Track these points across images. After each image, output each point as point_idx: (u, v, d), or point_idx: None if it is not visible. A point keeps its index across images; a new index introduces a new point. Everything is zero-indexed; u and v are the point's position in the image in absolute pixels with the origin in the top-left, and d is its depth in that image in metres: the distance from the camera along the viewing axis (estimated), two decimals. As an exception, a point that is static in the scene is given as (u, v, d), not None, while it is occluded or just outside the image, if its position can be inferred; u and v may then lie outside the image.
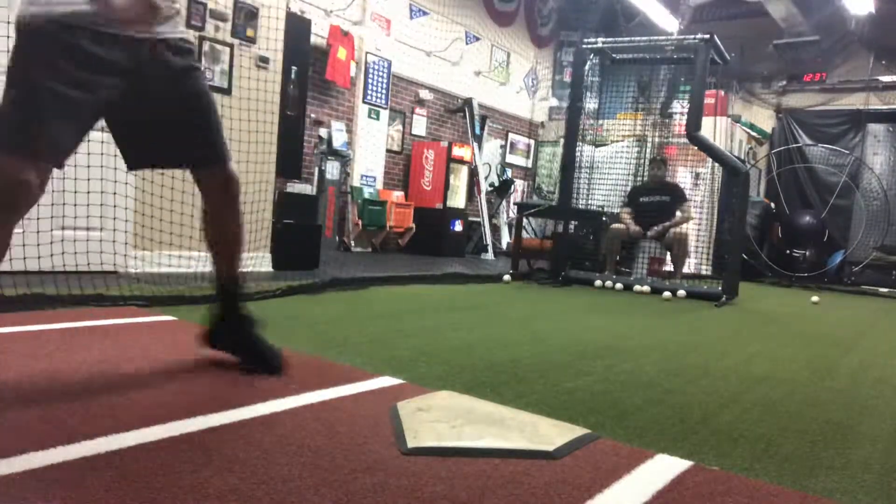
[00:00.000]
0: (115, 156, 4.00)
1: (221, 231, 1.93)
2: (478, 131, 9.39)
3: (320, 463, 1.34)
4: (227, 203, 1.91)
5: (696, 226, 7.50)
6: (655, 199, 6.30)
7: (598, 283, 5.87)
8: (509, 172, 10.27)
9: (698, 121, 5.40)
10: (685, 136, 5.59)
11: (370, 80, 8.16)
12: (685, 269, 6.46)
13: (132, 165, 1.87)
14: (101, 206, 3.74)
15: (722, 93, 8.96)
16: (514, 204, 9.20)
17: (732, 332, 3.86)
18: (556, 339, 3.07)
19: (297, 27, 5.56)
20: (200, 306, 3.07)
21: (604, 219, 6.73)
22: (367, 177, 8.22)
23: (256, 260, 4.65)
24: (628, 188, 6.71)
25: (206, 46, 4.37)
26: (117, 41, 1.59)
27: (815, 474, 1.53)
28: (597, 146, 6.96)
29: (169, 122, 1.77)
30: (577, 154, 6.19)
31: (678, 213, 6.25)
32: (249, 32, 4.63)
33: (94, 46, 1.55)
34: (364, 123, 8.17)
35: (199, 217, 1.96)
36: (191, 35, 1.79)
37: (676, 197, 6.36)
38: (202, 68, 1.80)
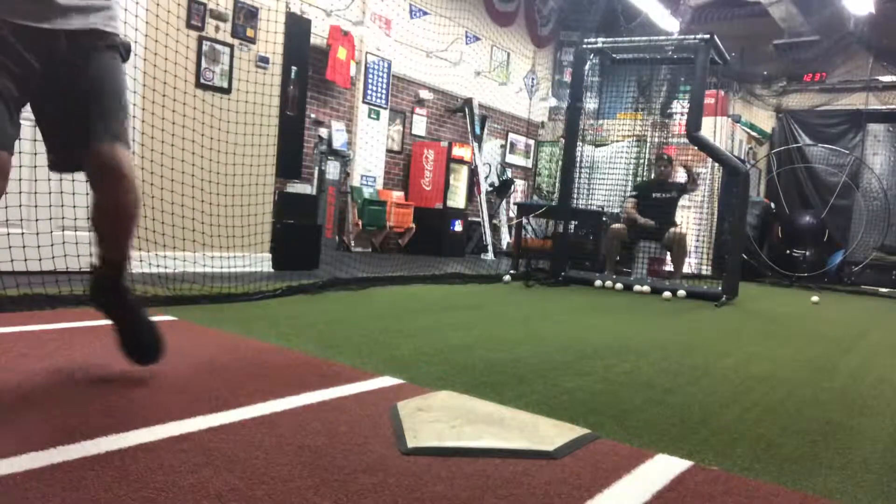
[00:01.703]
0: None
1: (100, 217, 1.78)
2: (478, 131, 9.39)
3: (320, 463, 1.34)
4: (101, 188, 1.74)
5: (696, 226, 7.50)
6: (666, 196, 6.31)
7: (598, 283, 5.87)
8: (509, 172, 10.27)
9: (698, 121, 5.41)
10: (685, 136, 5.59)
11: (370, 80, 8.16)
12: (685, 269, 6.46)
13: (50, 166, 1.79)
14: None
15: (722, 93, 8.96)
16: (514, 204, 9.20)
17: (732, 332, 3.86)
18: (556, 339, 3.07)
19: (297, 27, 5.56)
20: (200, 306, 3.08)
21: (604, 219, 6.73)
22: (367, 177, 8.22)
23: (256, 260, 4.65)
24: (628, 188, 6.71)
25: (205, 46, 4.37)
26: (26, 33, 1.57)
27: (815, 474, 1.53)
28: (597, 146, 6.96)
29: (60, 119, 1.70)
30: (577, 154, 6.19)
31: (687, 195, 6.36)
32: (249, 32, 4.63)
33: (11, 37, 1.54)
34: (364, 123, 8.17)
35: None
36: (114, 27, 1.74)
37: (682, 192, 6.39)
38: (111, 52, 1.71)
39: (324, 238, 5.92)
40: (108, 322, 1.85)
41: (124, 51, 1.79)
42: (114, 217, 1.76)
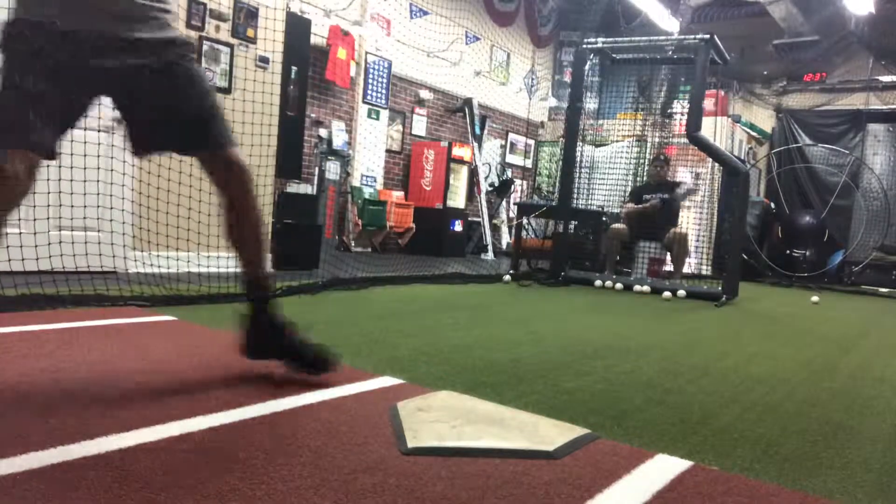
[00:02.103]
0: (112, 158, 4.01)
1: (236, 224, 1.88)
2: (478, 131, 9.39)
3: (320, 463, 1.34)
4: (234, 191, 1.86)
5: (696, 226, 7.50)
6: (656, 198, 6.31)
7: (598, 283, 5.87)
8: (509, 172, 10.27)
9: (698, 121, 5.40)
10: (685, 136, 5.59)
11: (370, 80, 8.16)
12: (685, 269, 6.46)
13: (135, 151, 1.88)
14: (101, 207, 3.74)
15: (722, 93, 8.96)
16: (514, 204, 9.20)
17: (732, 332, 3.86)
18: (556, 339, 3.07)
19: (297, 27, 5.56)
20: (200, 306, 3.08)
21: (604, 219, 6.73)
22: (367, 177, 8.22)
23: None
24: (628, 188, 6.72)
25: (206, 46, 4.38)
26: (80, 39, 1.62)
27: (815, 474, 1.53)
28: (597, 146, 6.96)
29: (160, 111, 1.78)
30: (577, 154, 6.19)
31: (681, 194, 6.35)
32: (249, 32, 4.63)
33: (59, 46, 1.59)
34: (364, 123, 8.17)
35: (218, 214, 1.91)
36: (175, 32, 1.79)
37: (672, 189, 6.39)
38: (192, 59, 1.80)
39: (324, 238, 5.92)
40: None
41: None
42: (250, 215, 1.87)
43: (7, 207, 1.58)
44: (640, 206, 6.27)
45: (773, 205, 9.65)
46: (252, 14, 4.62)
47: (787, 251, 9.21)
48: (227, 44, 4.49)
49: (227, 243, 1.92)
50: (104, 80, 1.68)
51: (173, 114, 1.77)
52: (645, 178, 6.73)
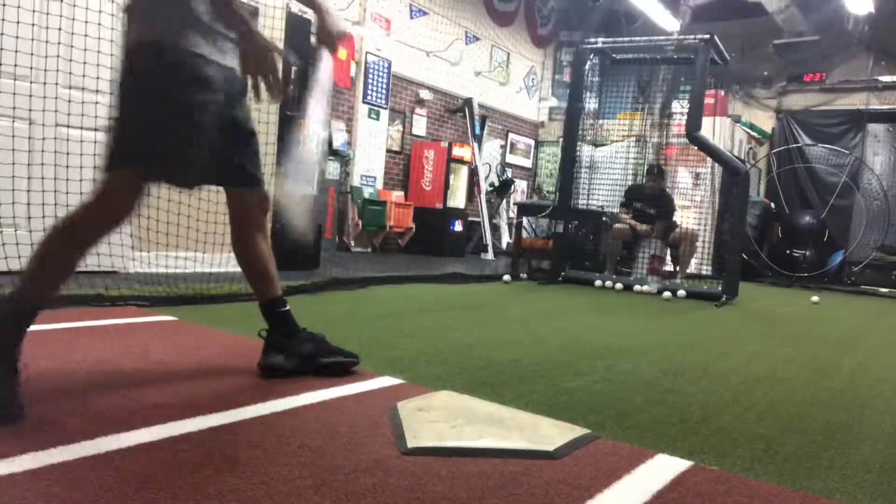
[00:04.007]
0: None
1: (243, 252, 1.94)
2: (478, 131, 9.39)
3: (320, 463, 1.34)
4: (246, 225, 1.92)
5: (696, 226, 7.49)
6: (647, 210, 6.32)
7: (598, 283, 5.87)
8: (509, 172, 10.27)
9: (698, 121, 5.40)
10: (685, 136, 5.59)
11: (370, 80, 8.16)
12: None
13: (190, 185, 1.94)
14: (101, 206, 3.74)
15: (722, 93, 8.96)
16: (514, 204, 9.21)
17: (732, 332, 3.86)
18: (555, 339, 3.07)
19: (297, 27, 5.55)
20: (200, 306, 3.08)
21: (604, 219, 6.72)
22: (367, 177, 8.22)
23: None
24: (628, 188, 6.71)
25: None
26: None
27: (815, 474, 1.53)
28: (597, 146, 6.95)
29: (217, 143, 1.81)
30: (577, 154, 6.18)
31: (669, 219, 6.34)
32: (249, 32, 4.62)
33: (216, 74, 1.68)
34: (364, 123, 8.17)
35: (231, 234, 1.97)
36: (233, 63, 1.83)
37: (664, 211, 6.35)
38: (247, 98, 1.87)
39: (324, 238, 5.92)
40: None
41: None
42: (266, 249, 1.94)
43: (113, 230, 1.66)
44: (637, 225, 6.24)
45: (773, 205, 9.66)
46: (252, 14, 4.62)
47: (787, 251, 9.21)
48: (227, 44, 4.49)
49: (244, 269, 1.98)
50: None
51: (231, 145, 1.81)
52: (635, 182, 6.73)
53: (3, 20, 3.24)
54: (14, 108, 3.32)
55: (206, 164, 1.69)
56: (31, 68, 3.41)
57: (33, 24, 3.34)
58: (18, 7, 3.29)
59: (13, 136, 3.36)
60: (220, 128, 1.69)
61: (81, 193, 3.46)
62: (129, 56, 1.62)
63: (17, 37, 3.23)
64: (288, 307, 2.01)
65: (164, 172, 1.69)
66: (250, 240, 1.91)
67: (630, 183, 6.76)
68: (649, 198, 6.34)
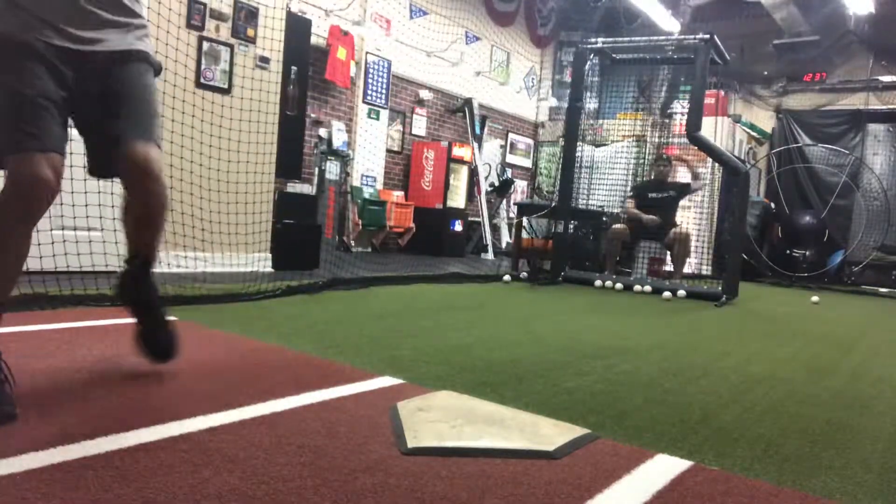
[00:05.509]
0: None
1: (130, 214, 1.86)
2: (478, 131, 9.39)
3: (320, 463, 1.34)
4: (132, 187, 1.79)
5: (696, 226, 7.50)
6: (664, 196, 6.30)
7: (598, 283, 5.87)
8: (509, 172, 10.27)
9: (698, 121, 5.40)
10: (685, 136, 5.59)
11: (370, 80, 8.16)
12: (685, 269, 6.45)
13: (89, 171, 1.87)
14: (101, 206, 3.74)
15: (722, 93, 8.95)
16: (514, 204, 9.21)
17: (732, 332, 3.86)
18: (555, 339, 3.07)
19: (297, 27, 5.55)
20: (200, 306, 3.08)
21: (604, 219, 6.72)
22: (367, 177, 8.22)
23: (256, 260, 4.65)
24: (628, 188, 6.71)
25: (206, 46, 4.37)
26: (66, 52, 1.66)
27: (815, 474, 1.53)
28: (597, 146, 6.95)
29: (96, 125, 1.77)
30: (577, 154, 6.19)
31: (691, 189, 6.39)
32: (249, 32, 4.63)
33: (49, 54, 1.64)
34: (364, 123, 8.17)
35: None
36: (148, 45, 1.80)
37: (682, 192, 6.39)
38: (144, 64, 1.80)
39: (324, 238, 5.92)
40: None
41: (156, 67, 1.87)
42: (143, 217, 1.83)
43: (43, 214, 1.60)
44: (643, 216, 6.24)
45: (773, 205, 9.65)
46: (252, 14, 4.62)
47: (787, 251, 9.21)
48: (226, 44, 4.49)
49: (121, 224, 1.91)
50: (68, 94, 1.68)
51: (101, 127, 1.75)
52: (644, 179, 6.73)
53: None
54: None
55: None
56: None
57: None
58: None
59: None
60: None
61: (85, 192, 3.47)
62: None
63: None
64: None
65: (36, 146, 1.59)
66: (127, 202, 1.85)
67: (630, 183, 6.77)
68: (660, 184, 6.33)
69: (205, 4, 4.34)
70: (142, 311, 1.91)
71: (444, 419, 1.65)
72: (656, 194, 6.32)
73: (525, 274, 6.28)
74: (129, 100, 1.76)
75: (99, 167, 1.85)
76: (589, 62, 6.18)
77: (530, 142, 11.41)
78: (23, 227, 1.58)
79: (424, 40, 8.91)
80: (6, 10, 1.62)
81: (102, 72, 1.72)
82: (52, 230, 3.44)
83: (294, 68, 5.59)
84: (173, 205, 3.99)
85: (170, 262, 4.02)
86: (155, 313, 1.91)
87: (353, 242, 7.90)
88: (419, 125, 9.20)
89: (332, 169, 7.44)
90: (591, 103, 6.45)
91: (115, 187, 3.81)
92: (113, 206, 3.85)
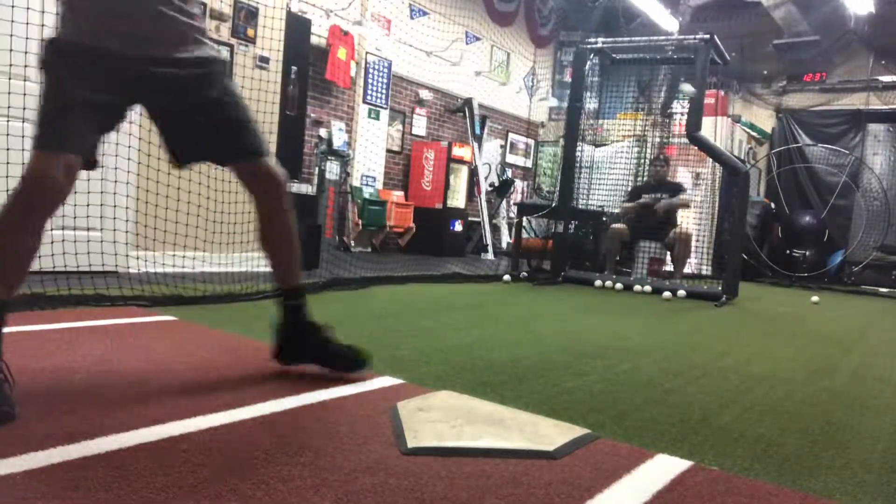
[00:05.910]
0: (116, 155, 4.01)
1: (268, 232, 1.95)
2: (478, 131, 9.39)
3: (320, 463, 1.34)
4: (268, 200, 1.94)
5: (696, 226, 7.50)
6: (657, 196, 6.30)
7: (598, 283, 5.87)
8: (509, 172, 10.27)
9: (698, 121, 5.40)
10: (685, 136, 5.59)
11: (370, 80, 8.16)
12: (685, 269, 6.45)
13: (180, 163, 1.94)
14: (101, 206, 3.74)
15: (722, 93, 8.95)
16: (514, 204, 9.21)
17: (732, 332, 3.86)
18: (555, 339, 3.07)
19: (297, 27, 5.55)
20: (200, 306, 3.08)
21: (604, 219, 6.72)
22: (367, 177, 8.22)
23: (256, 260, 4.65)
24: (628, 188, 6.72)
25: (206, 46, 4.37)
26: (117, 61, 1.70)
27: (815, 474, 1.53)
28: (597, 146, 6.95)
29: (196, 125, 1.85)
30: (577, 154, 6.19)
31: (680, 198, 6.34)
32: (249, 32, 4.63)
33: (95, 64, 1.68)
34: (364, 123, 8.17)
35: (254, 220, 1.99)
36: (212, 51, 1.87)
37: (676, 192, 6.38)
38: (223, 74, 1.89)
39: (324, 238, 5.92)
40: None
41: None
42: (284, 225, 1.94)
43: (50, 212, 1.63)
44: (637, 202, 6.25)
45: (773, 205, 9.66)
46: (252, 14, 4.62)
47: (787, 251, 9.21)
48: (227, 44, 4.49)
49: (260, 249, 1.98)
50: (141, 91, 1.76)
51: (207, 126, 1.84)
52: (644, 178, 6.73)
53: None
54: (8, 107, 3.30)
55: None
56: (24, 66, 3.38)
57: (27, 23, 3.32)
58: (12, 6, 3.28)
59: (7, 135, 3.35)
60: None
61: (88, 192, 3.47)
62: None
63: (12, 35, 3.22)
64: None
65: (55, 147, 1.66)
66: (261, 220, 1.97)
67: (630, 183, 6.76)
68: (657, 187, 6.33)
69: (205, 4, 4.34)
70: (321, 361, 1.99)
71: (443, 419, 1.65)
72: (649, 195, 6.32)
73: (525, 274, 6.28)
74: (240, 112, 1.87)
75: (184, 158, 1.91)
76: (589, 62, 6.18)
77: (530, 142, 11.41)
78: (28, 222, 1.59)
79: (425, 40, 8.91)
80: (79, 15, 1.66)
81: (192, 78, 1.78)
82: (52, 230, 3.42)
83: (294, 68, 5.59)
84: (173, 204, 3.99)
85: (169, 262, 4.02)
86: (324, 351, 1.98)
87: (353, 242, 7.90)
88: (419, 125, 9.20)
89: (332, 169, 7.44)
90: (591, 103, 6.45)
91: (115, 187, 3.83)
92: (114, 206, 3.86)
